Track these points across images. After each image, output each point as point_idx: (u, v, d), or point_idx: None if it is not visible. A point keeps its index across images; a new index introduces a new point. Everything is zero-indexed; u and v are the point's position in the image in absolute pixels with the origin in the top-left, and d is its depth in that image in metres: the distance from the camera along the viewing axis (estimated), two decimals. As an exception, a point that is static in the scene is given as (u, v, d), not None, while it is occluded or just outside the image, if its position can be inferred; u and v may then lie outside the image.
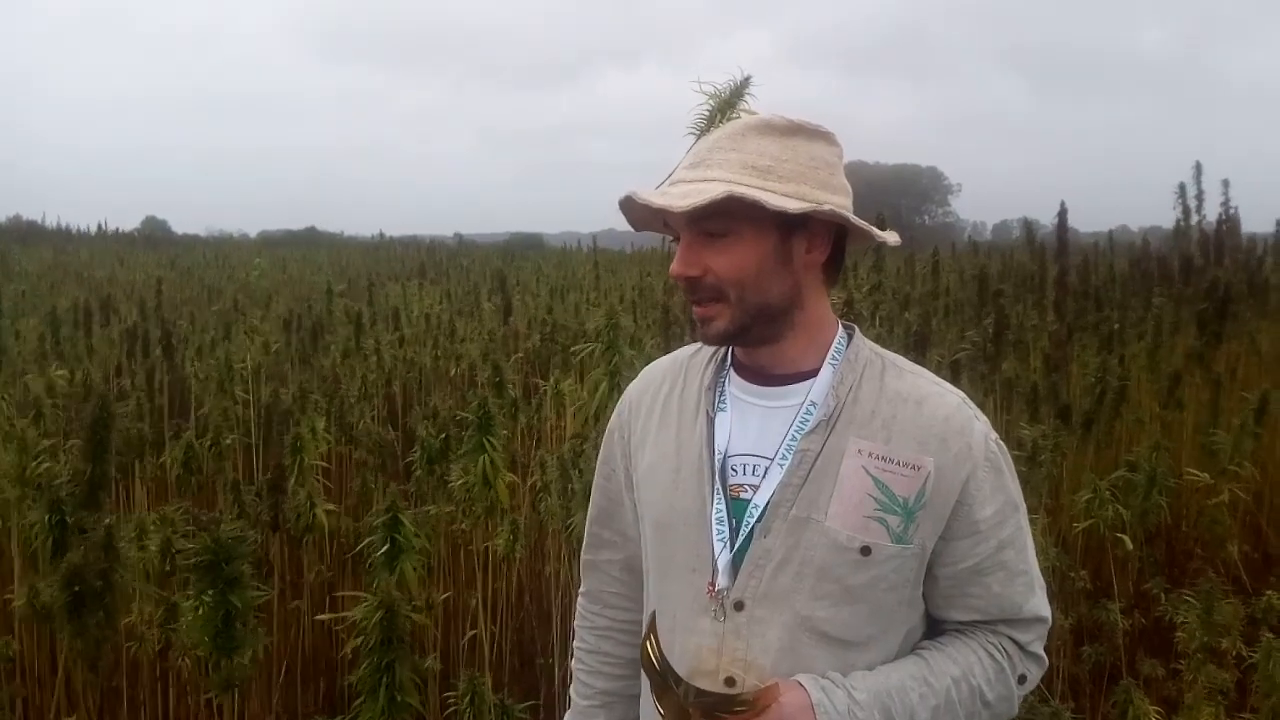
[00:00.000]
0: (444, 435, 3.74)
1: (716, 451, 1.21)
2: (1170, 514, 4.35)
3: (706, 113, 1.43)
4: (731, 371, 1.27)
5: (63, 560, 2.22)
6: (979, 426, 1.18)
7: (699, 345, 1.32)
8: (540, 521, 3.86)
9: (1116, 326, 5.50)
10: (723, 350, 1.29)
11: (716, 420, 1.23)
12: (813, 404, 1.18)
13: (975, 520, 1.16)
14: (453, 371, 5.76)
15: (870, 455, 1.14)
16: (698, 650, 1.18)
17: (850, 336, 1.26)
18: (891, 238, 1.25)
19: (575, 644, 1.46)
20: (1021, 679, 1.22)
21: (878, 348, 1.26)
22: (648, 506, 1.29)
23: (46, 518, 2.33)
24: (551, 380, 4.21)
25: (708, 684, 1.16)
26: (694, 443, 1.24)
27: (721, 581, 1.17)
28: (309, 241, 41.10)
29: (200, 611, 2.03)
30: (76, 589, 2.15)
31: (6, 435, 3.16)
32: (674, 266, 1.19)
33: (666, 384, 1.33)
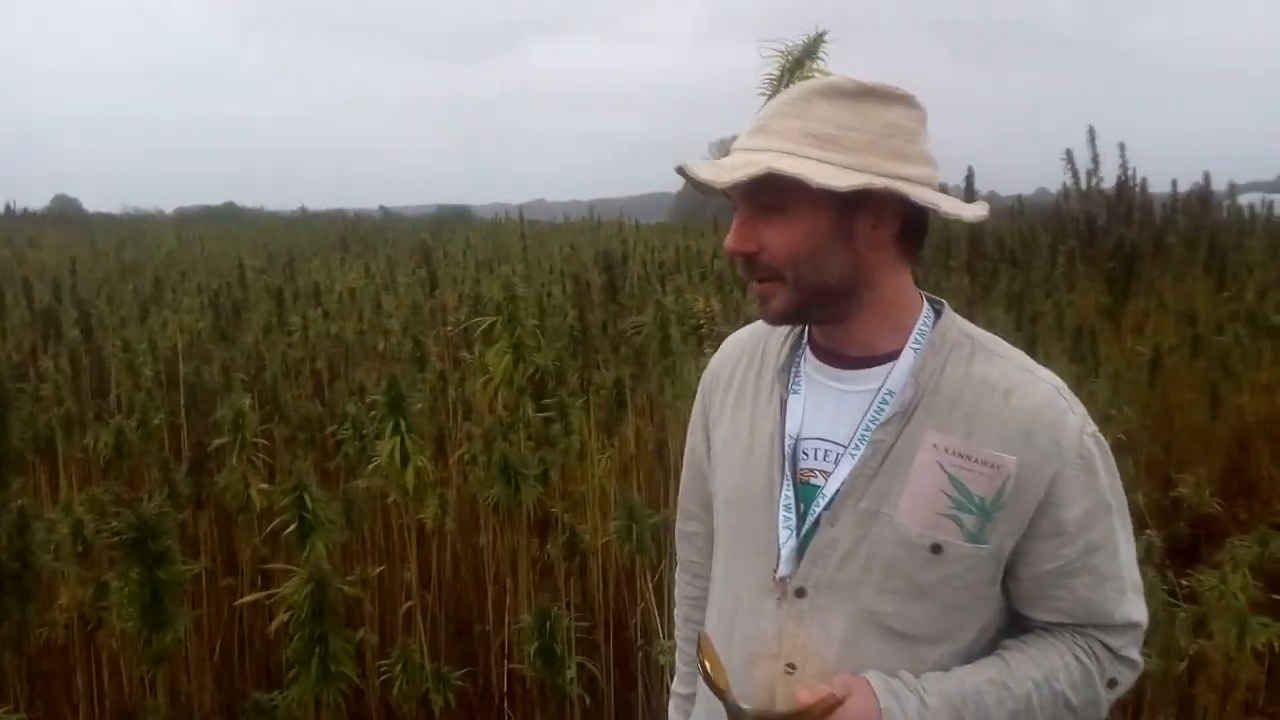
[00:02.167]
0: (370, 410, 3.75)
1: (788, 436, 1.16)
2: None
3: (775, 74, 1.32)
4: (808, 350, 1.20)
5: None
6: (1072, 420, 1.09)
7: None
8: (471, 494, 3.89)
9: (1021, 286, 5.69)
10: (799, 327, 1.22)
11: (790, 403, 1.18)
12: (889, 392, 1.11)
13: (1061, 521, 1.08)
14: (381, 345, 5.73)
15: (947, 450, 1.08)
16: (759, 634, 1.15)
17: (938, 315, 1.17)
18: (972, 211, 1.12)
19: (676, 613, 1.46)
20: (1111, 683, 1.15)
21: (970, 328, 1.17)
22: (720, 483, 1.26)
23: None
24: (477, 353, 4.22)
25: (767, 669, 1.13)
26: (767, 424, 1.19)
27: (784, 568, 1.13)
28: (228, 218, 40.07)
29: (128, 589, 2.03)
30: (-9, 575, 2.14)
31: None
32: (728, 241, 1.12)
33: (745, 358, 1.28)
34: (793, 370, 1.20)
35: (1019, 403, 1.08)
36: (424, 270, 7.86)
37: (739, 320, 5.06)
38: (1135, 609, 1.14)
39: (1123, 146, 9.02)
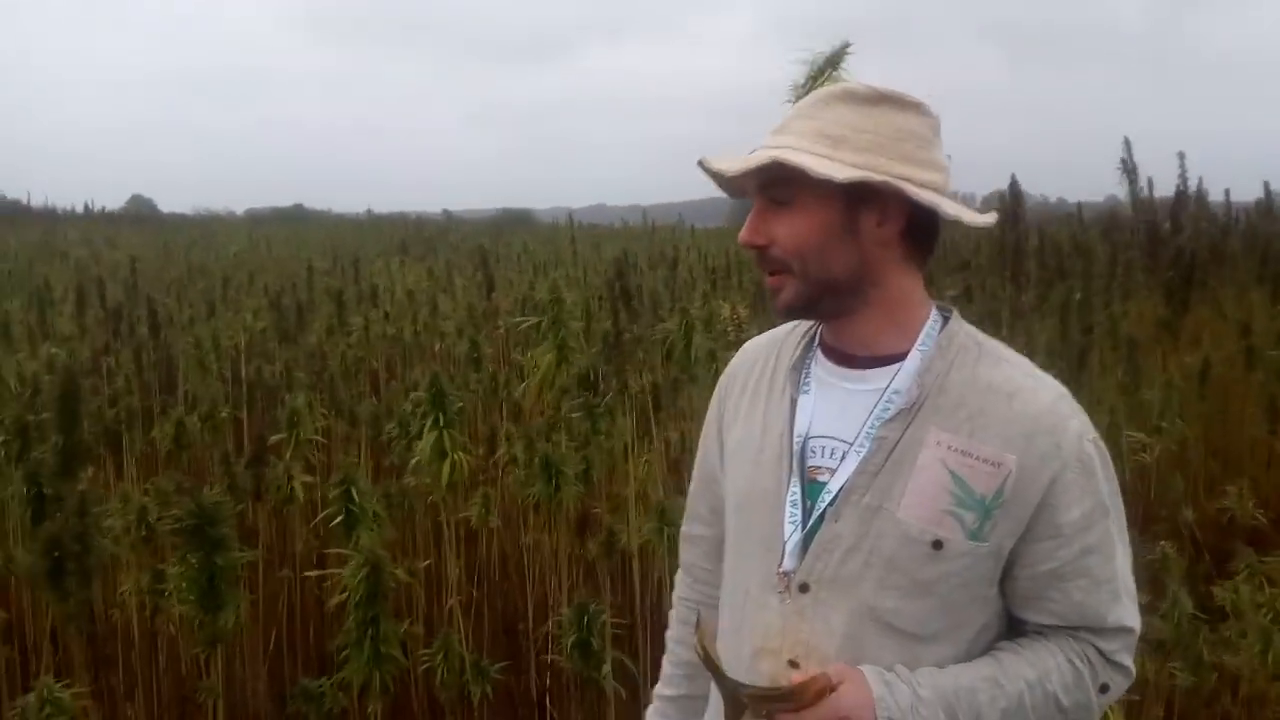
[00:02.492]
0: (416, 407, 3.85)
1: (796, 435, 1.19)
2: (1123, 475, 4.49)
3: (802, 80, 1.41)
4: (818, 351, 1.24)
5: (41, 529, 2.32)
6: (1073, 425, 1.12)
7: (797, 322, 1.29)
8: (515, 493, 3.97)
9: (1079, 296, 5.61)
10: (811, 329, 1.26)
11: (799, 402, 1.21)
12: (895, 391, 1.14)
13: (1058, 523, 1.11)
14: (436, 347, 5.86)
15: (949, 448, 1.10)
16: (765, 628, 1.17)
17: (946, 320, 1.20)
18: (977, 218, 1.16)
19: (671, 614, 1.47)
20: (1104, 688, 1.17)
21: (978, 334, 1.20)
22: (731, 484, 1.28)
23: (25, 489, 2.43)
24: (529, 355, 4.32)
25: (771, 663, 1.15)
26: (778, 424, 1.22)
27: (788, 563, 1.15)
28: (296, 219, 40.96)
29: (186, 573, 2.14)
30: (55, 555, 2.26)
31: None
32: (742, 234, 1.18)
33: (760, 361, 1.32)
34: (804, 370, 1.23)
35: (1022, 406, 1.10)
36: (481, 273, 8.01)
37: (770, 326, 5.06)
38: (1128, 614, 1.16)
39: (1182, 155, 8.85)
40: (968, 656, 1.15)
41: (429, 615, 3.87)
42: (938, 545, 1.09)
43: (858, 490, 1.12)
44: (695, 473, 1.41)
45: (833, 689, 1.05)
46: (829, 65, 1.40)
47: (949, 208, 1.12)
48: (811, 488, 1.17)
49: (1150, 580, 2.82)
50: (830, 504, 1.13)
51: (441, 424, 2.93)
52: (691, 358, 3.58)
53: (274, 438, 3.48)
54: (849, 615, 1.12)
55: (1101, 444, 1.15)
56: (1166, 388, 4.27)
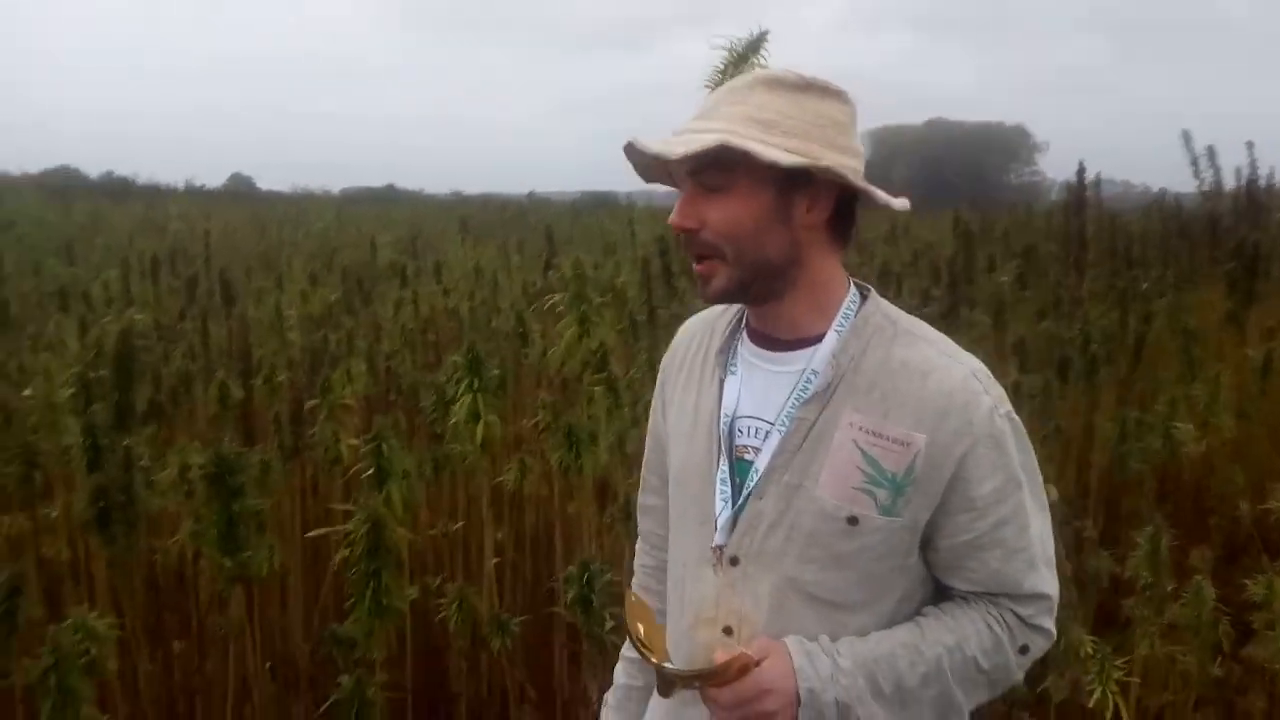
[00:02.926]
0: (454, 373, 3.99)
1: (724, 415, 1.25)
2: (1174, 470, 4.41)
3: (720, 66, 1.44)
4: (744, 334, 1.29)
5: (90, 478, 2.53)
6: (985, 401, 1.15)
7: (729, 305, 1.33)
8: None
9: (1145, 286, 5.51)
10: (739, 312, 1.31)
11: (726, 383, 1.26)
12: (814, 372, 1.19)
13: (971, 497, 1.15)
14: (493, 321, 6.03)
15: (861, 429, 1.15)
16: (701, 599, 1.24)
17: (863, 300, 1.24)
18: (898, 203, 1.20)
19: (633, 580, 1.54)
20: (1023, 649, 1.22)
21: (893, 312, 1.24)
22: (671, 459, 1.35)
23: (81, 440, 2.64)
24: (557, 328, 4.44)
25: (708, 631, 1.22)
26: (708, 404, 1.27)
27: (719, 538, 1.22)
28: (387, 199, 41.88)
29: (209, 518, 2.32)
30: (102, 504, 2.47)
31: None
32: (672, 217, 1.18)
33: (696, 342, 1.36)
34: (730, 353, 1.28)
35: (935, 384, 1.15)
36: (547, 251, 8.19)
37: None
38: (1045, 581, 1.21)
39: (1250, 145, 8.58)
40: (891, 623, 1.20)
41: (467, 578, 4.03)
42: (853, 521, 1.14)
43: (779, 469, 1.18)
44: (647, 445, 1.47)
45: (756, 664, 1.11)
46: (749, 51, 1.43)
47: (879, 195, 1.17)
48: (740, 465, 1.23)
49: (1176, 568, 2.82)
50: (755, 482, 1.20)
51: (476, 388, 3.08)
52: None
53: (310, 402, 3.67)
54: (774, 587, 1.18)
55: (1016, 418, 1.19)
56: (1213, 382, 4.18)
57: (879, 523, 1.15)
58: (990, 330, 4.90)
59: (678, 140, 1.13)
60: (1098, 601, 3.44)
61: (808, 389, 1.18)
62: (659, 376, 1.45)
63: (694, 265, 1.20)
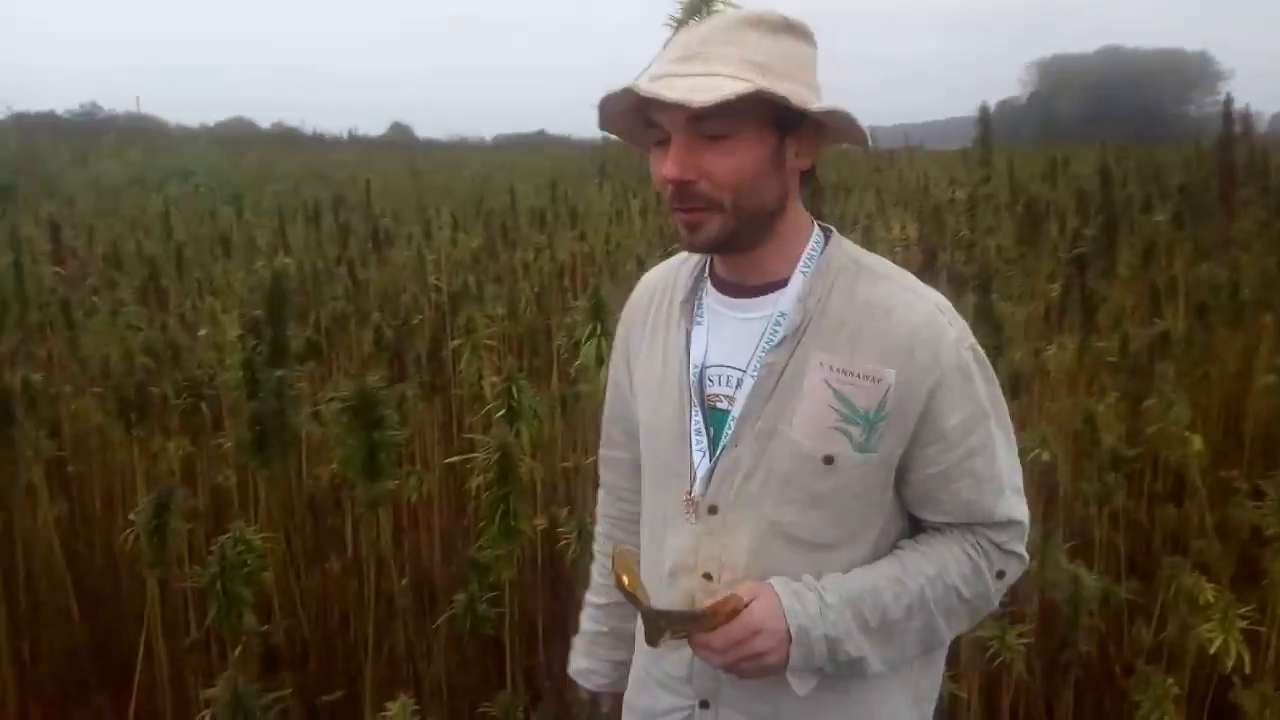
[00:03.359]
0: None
1: (693, 365, 1.25)
2: None
3: (684, 3, 1.40)
4: (708, 283, 1.28)
5: (247, 406, 2.77)
6: (950, 334, 1.17)
7: (687, 255, 1.33)
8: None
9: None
10: (702, 261, 1.30)
11: (693, 334, 1.26)
12: (782, 315, 1.19)
13: (941, 429, 1.17)
14: (627, 265, 6.14)
15: (832, 368, 1.16)
16: (679, 549, 1.25)
17: (827, 241, 1.25)
18: (868, 145, 1.22)
19: (596, 529, 1.58)
20: (1000, 575, 1.24)
21: (857, 251, 1.25)
22: (641, 412, 1.35)
23: (241, 375, 2.88)
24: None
25: (687, 579, 1.24)
26: (675, 356, 1.28)
27: (697, 489, 1.23)
28: (537, 145, 42.53)
29: (351, 446, 2.51)
30: (258, 429, 2.70)
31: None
32: (668, 169, 1.13)
33: (659, 292, 1.36)
34: (695, 303, 1.28)
35: (899, 320, 1.16)
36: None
37: (945, 247, 4.99)
38: (1015, 508, 1.24)
39: None
40: (873, 558, 1.22)
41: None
42: (829, 460, 1.16)
43: (752, 416, 1.19)
44: (608, 398, 1.49)
45: (745, 606, 1.13)
46: None
47: (867, 137, 1.18)
48: (714, 415, 1.24)
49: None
50: (730, 430, 1.21)
51: (599, 332, 3.18)
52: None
53: (454, 343, 3.86)
54: (754, 531, 1.20)
55: (980, 350, 1.21)
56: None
57: (855, 460, 1.16)
58: (1140, 273, 4.67)
59: (685, 86, 1.08)
60: (1239, 553, 3.32)
61: (776, 333, 1.19)
62: (619, 330, 1.45)
63: (679, 215, 1.17)
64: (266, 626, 2.78)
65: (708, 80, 1.08)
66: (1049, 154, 10.48)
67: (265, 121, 44.01)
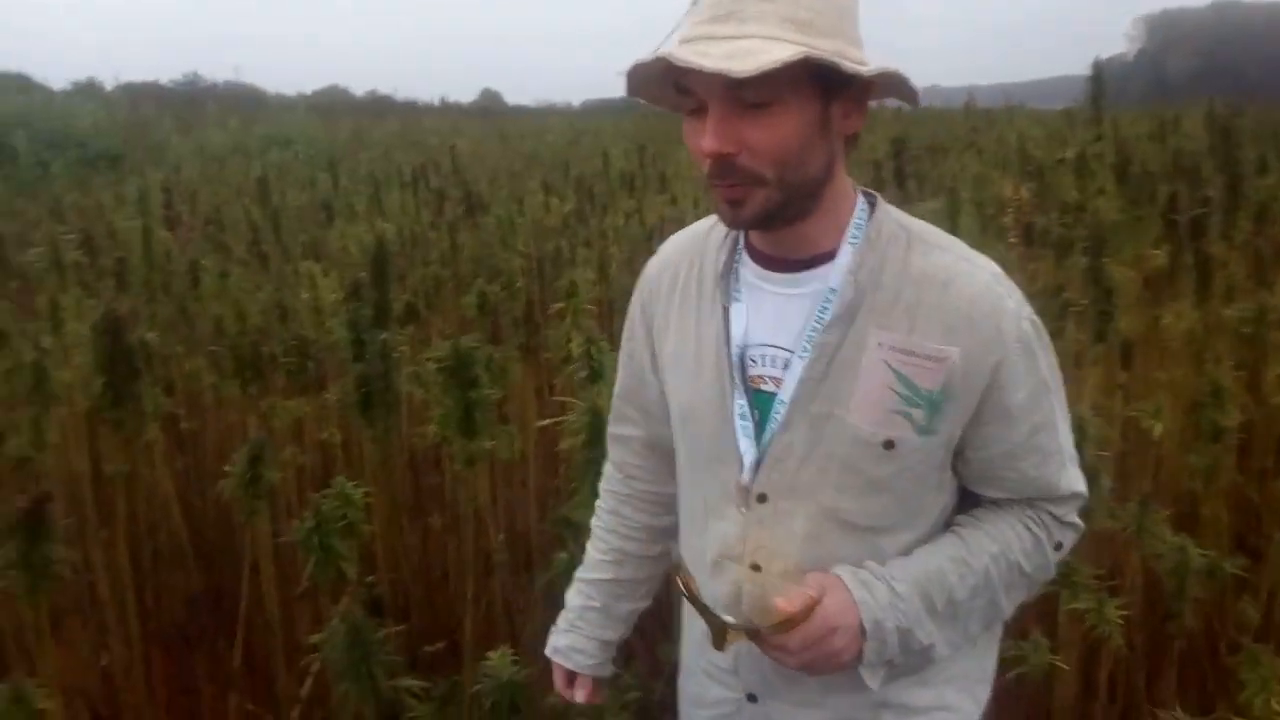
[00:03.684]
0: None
1: (734, 345, 1.17)
2: None
3: None
4: (745, 255, 1.20)
5: (354, 367, 2.87)
6: (1010, 306, 1.10)
7: (714, 222, 1.25)
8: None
9: None
10: (731, 234, 1.21)
11: (731, 311, 1.18)
12: (832, 290, 1.12)
13: (1006, 405, 1.11)
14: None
15: (891, 348, 1.09)
16: (724, 537, 1.19)
17: (872, 208, 1.16)
18: (908, 106, 1.16)
19: (598, 504, 1.49)
20: (1058, 546, 1.21)
21: (905, 218, 1.17)
22: (674, 393, 1.27)
23: (346, 335, 2.98)
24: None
25: (734, 569, 1.18)
26: (712, 334, 1.19)
27: (745, 476, 1.16)
28: (626, 109, 42.44)
29: (448, 404, 2.57)
30: (364, 389, 2.79)
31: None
32: (706, 142, 1.04)
33: (685, 264, 1.27)
34: (731, 277, 1.19)
35: (958, 293, 1.09)
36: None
37: (1052, 211, 4.83)
38: (1076, 480, 1.20)
39: None
40: (929, 538, 1.18)
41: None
42: (889, 445, 1.10)
43: (804, 398, 1.12)
44: (620, 374, 1.41)
45: (817, 602, 1.07)
46: None
47: (918, 96, 1.10)
48: (758, 397, 1.16)
49: None
50: (781, 414, 1.13)
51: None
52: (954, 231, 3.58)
53: (555, 306, 3.91)
54: (808, 519, 1.14)
55: (1037, 320, 1.15)
56: None
57: (917, 443, 1.11)
58: (1253, 238, 4.47)
59: (721, 52, 0.98)
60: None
61: (827, 310, 1.11)
62: (634, 302, 1.35)
63: (720, 189, 1.08)
64: (371, 578, 2.89)
65: (747, 44, 0.98)
66: (1157, 113, 10.07)
67: (359, 90, 44.90)
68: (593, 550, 1.48)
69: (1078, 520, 1.23)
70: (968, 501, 1.23)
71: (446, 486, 3.55)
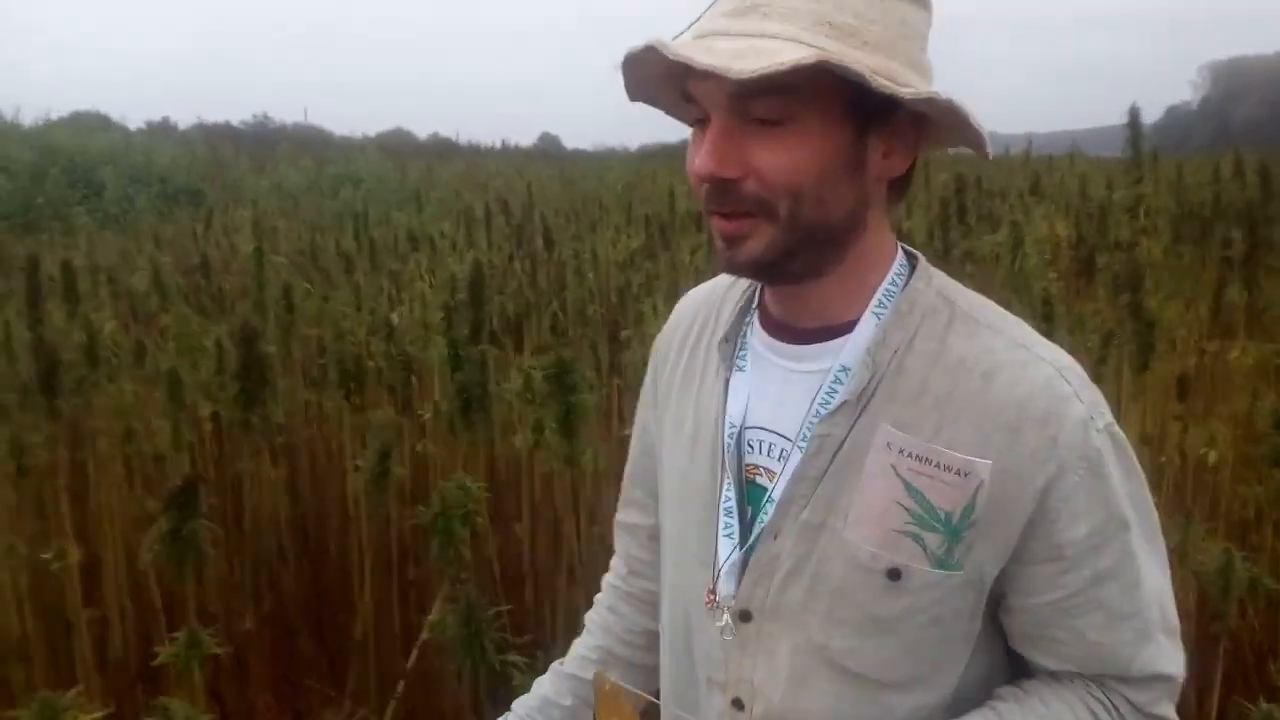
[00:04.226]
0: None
1: (729, 424, 0.96)
2: None
3: None
4: (755, 318, 0.99)
5: (454, 378, 3.17)
6: (1075, 410, 0.86)
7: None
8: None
9: None
10: (752, 286, 1.01)
11: (732, 382, 0.98)
12: (843, 370, 0.90)
13: (1059, 543, 0.87)
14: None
15: (903, 452, 0.86)
16: (709, 657, 0.98)
17: (911, 272, 0.94)
18: (988, 149, 0.89)
19: (597, 597, 1.27)
20: None
21: (951, 289, 0.94)
22: (666, 474, 1.07)
23: (446, 350, 3.29)
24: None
25: (719, 698, 0.97)
26: (711, 408, 0.99)
27: (725, 587, 0.95)
28: (681, 154, 42.95)
29: (550, 410, 2.85)
30: (464, 398, 3.09)
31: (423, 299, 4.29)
32: (702, 160, 0.85)
33: (697, 324, 1.07)
34: (738, 342, 0.99)
35: (1005, 389, 0.86)
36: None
37: (1104, 252, 5.00)
38: (1164, 657, 0.91)
39: None
40: (954, 707, 0.92)
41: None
42: (894, 574, 0.87)
43: (797, 501, 0.91)
44: (631, 451, 1.20)
45: None
46: None
47: (986, 143, 0.87)
48: (752, 491, 0.95)
49: None
50: (769, 516, 0.93)
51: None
52: (1016, 268, 3.78)
53: (625, 332, 4.19)
54: (794, 653, 0.92)
55: (1119, 432, 0.89)
56: None
57: (931, 577, 0.87)
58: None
59: (728, 50, 0.80)
60: None
61: (834, 395, 0.90)
62: (651, 361, 1.15)
63: (717, 221, 0.88)
64: (466, 574, 3.15)
65: (763, 43, 0.80)
66: (1217, 160, 10.14)
67: (421, 132, 46.18)
68: (579, 645, 1.24)
69: (1169, 713, 0.93)
70: (1021, 672, 0.96)
71: (534, 491, 3.82)
